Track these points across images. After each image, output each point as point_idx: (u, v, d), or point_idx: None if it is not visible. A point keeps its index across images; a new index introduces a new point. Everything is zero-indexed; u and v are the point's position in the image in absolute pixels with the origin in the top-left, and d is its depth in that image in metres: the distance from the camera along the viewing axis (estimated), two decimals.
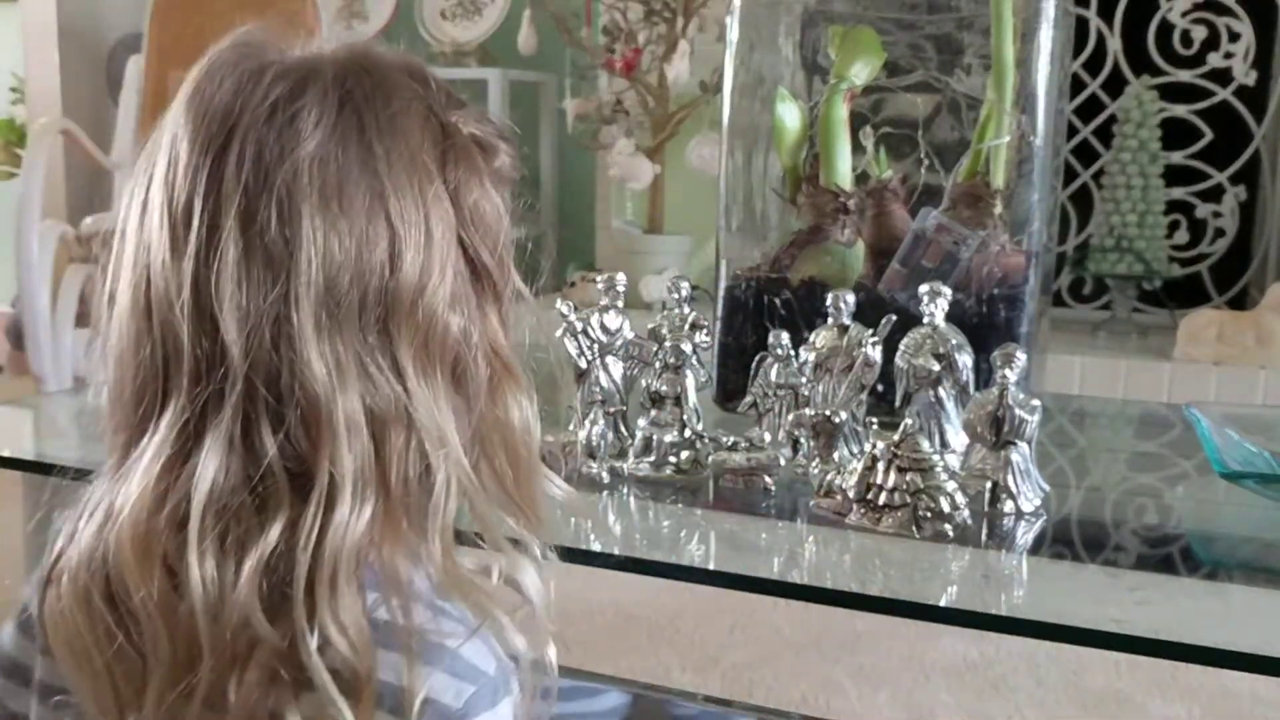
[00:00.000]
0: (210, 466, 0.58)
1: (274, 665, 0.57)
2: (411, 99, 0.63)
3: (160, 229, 0.59)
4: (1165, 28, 2.60)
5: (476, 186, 0.63)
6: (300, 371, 0.58)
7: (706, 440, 1.07)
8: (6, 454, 1.11)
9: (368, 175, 0.59)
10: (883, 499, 0.95)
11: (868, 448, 0.97)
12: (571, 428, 1.10)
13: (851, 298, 1.08)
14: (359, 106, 0.61)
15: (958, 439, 1.04)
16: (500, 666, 0.61)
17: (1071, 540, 0.99)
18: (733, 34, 1.32)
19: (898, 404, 1.06)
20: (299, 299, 0.58)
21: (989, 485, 0.98)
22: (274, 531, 0.58)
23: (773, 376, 1.10)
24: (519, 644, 0.61)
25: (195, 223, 0.58)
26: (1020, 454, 0.98)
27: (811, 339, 1.09)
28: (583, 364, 1.12)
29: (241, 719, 0.57)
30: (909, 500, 0.93)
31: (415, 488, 0.60)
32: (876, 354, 1.06)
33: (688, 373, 1.09)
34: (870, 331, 1.07)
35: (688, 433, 1.07)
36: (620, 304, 1.14)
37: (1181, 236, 2.65)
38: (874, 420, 1.06)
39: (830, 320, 1.09)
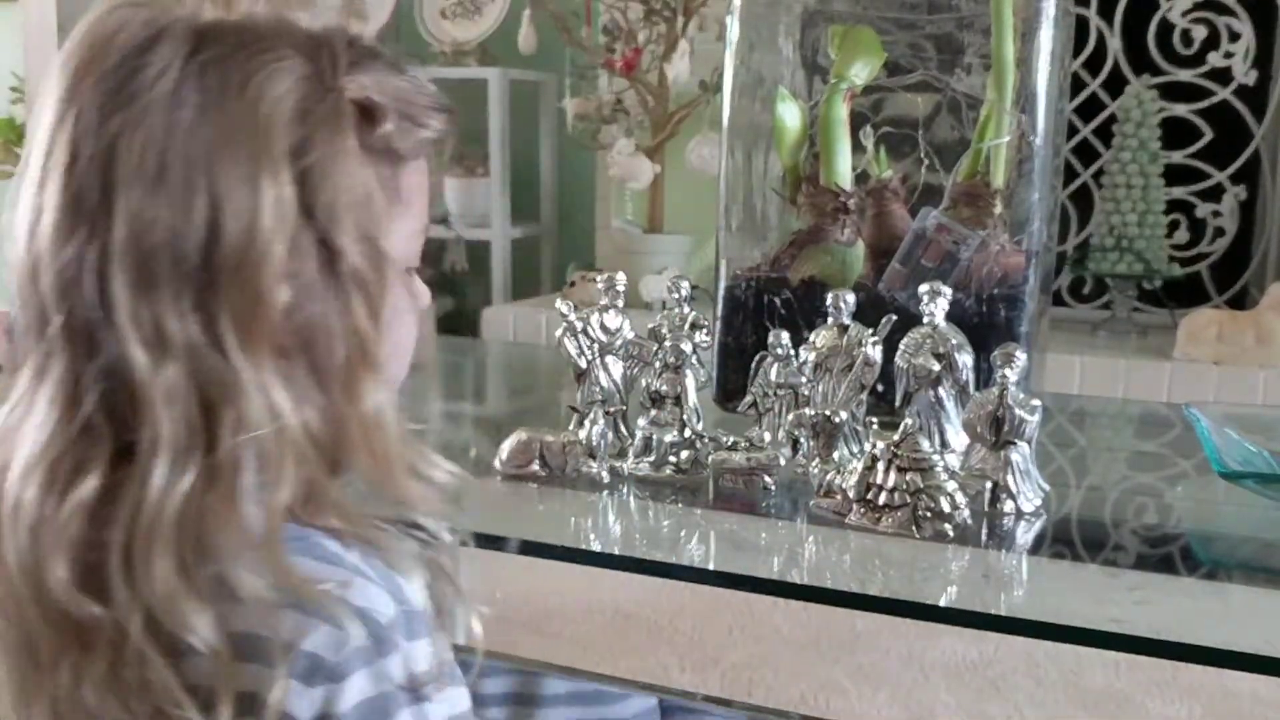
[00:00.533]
0: (35, 422, 0.58)
1: (117, 645, 0.57)
2: (279, 63, 0.59)
3: (27, 176, 0.59)
4: (1165, 27, 2.59)
5: (336, 162, 0.59)
6: (120, 337, 0.57)
7: (706, 440, 1.07)
8: None
9: (197, 139, 0.57)
10: (883, 499, 0.95)
11: (868, 447, 0.97)
12: (571, 427, 1.10)
13: (851, 297, 1.08)
14: (206, 65, 0.58)
15: (958, 439, 1.04)
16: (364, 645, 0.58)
17: (1071, 540, 0.99)
18: (733, 33, 1.32)
19: (898, 404, 1.06)
20: (114, 262, 0.56)
21: (989, 485, 0.98)
22: (86, 491, 0.57)
23: (772, 376, 1.10)
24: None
25: (39, 175, 0.58)
26: (1020, 454, 0.98)
27: (811, 339, 1.09)
28: (583, 364, 1.12)
29: (117, 702, 0.57)
30: (909, 500, 0.93)
31: (251, 462, 0.58)
32: (876, 354, 1.06)
33: (688, 372, 1.09)
34: (870, 331, 1.07)
35: (688, 432, 1.07)
36: (620, 304, 1.14)
37: (1181, 236, 2.65)
38: (874, 420, 1.06)
39: (830, 320, 1.09)
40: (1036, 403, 0.99)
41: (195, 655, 0.56)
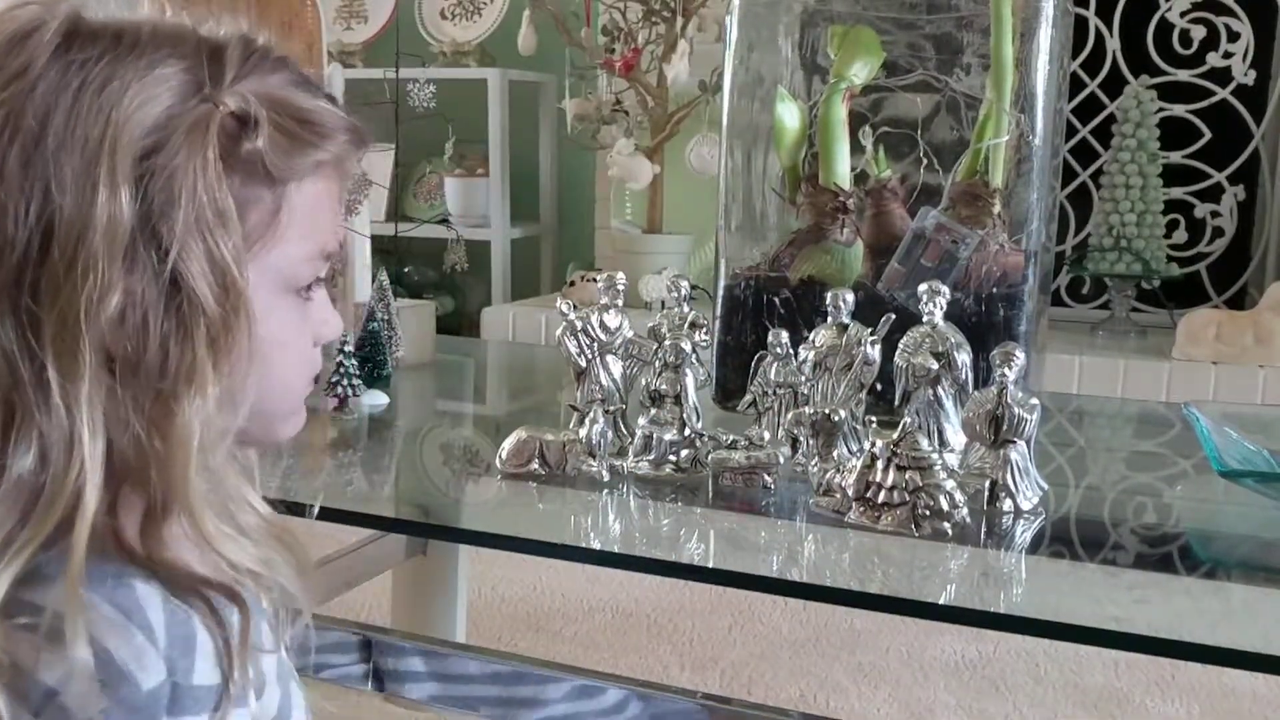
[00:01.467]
0: None
1: None
2: (150, 70, 0.56)
3: None
4: (1164, 27, 2.60)
5: (188, 175, 0.55)
6: None
7: (706, 439, 1.07)
8: None
9: (43, 139, 0.54)
10: (882, 497, 0.95)
11: (867, 446, 0.97)
12: (571, 426, 1.10)
13: (851, 296, 1.09)
14: (69, 64, 0.55)
15: (956, 437, 1.05)
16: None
17: (1070, 539, 1.00)
18: (732, 34, 1.32)
19: (897, 402, 1.06)
20: None
21: (988, 484, 0.98)
22: None
23: (772, 375, 1.11)
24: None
25: None
26: (1019, 452, 0.98)
27: (811, 338, 1.09)
28: (582, 363, 1.12)
29: None
30: (908, 498, 0.93)
31: (39, 481, 0.54)
32: (875, 353, 1.07)
33: (687, 371, 1.09)
34: (869, 330, 1.07)
35: (687, 431, 1.07)
36: (620, 303, 1.14)
37: (1180, 236, 2.65)
38: (873, 419, 1.06)
39: (829, 319, 1.09)
40: (1035, 402, 0.99)
41: None
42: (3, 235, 0.54)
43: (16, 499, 0.54)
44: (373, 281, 1.44)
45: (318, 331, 0.65)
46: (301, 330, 0.64)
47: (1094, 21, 2.63)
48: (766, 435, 1.10)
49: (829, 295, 1.09)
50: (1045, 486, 1.01)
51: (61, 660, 0.52)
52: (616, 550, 0.97)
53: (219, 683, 0.56)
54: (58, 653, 0.53)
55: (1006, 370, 0.97)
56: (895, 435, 0.95)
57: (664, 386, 1.09)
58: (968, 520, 0.94)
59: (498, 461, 1.07)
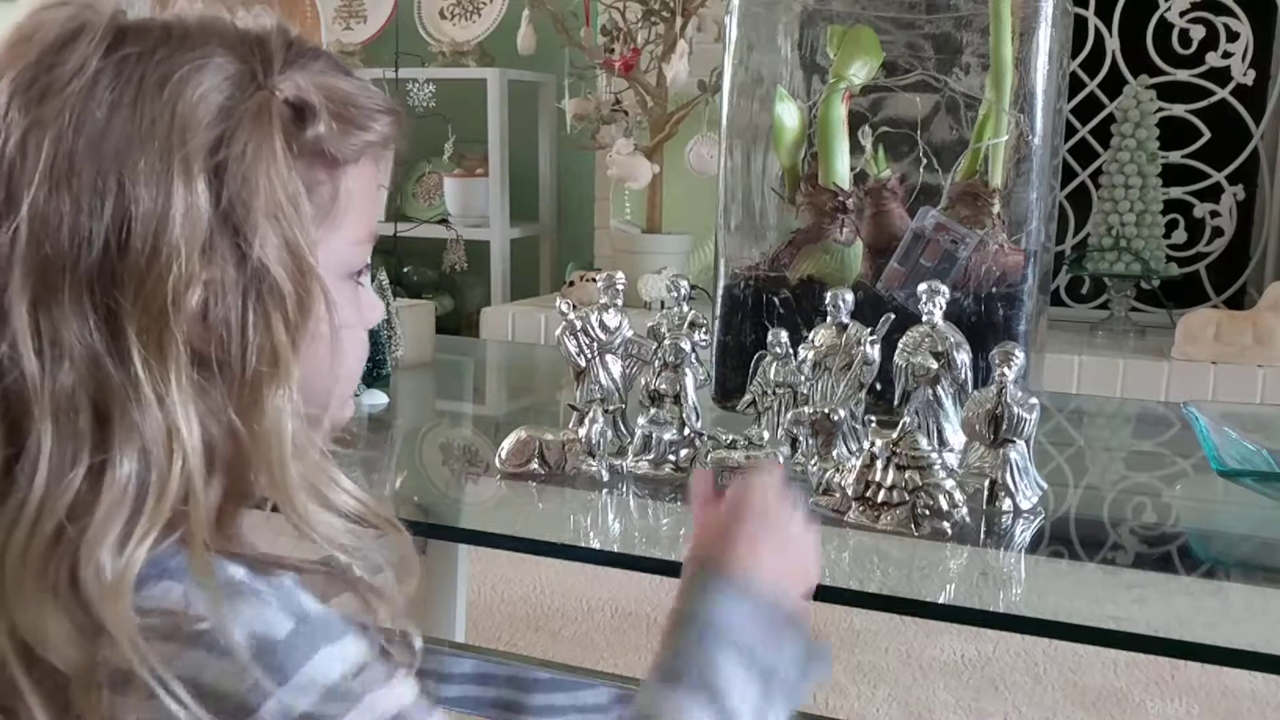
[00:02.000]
0: None
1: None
2: (205, 60, 0.56)
3: None
4: (1164, 27, 2.60)
5: (258, 163, 0.56)
6: (11, 344, 0.53)
7: (705, 438, 1.07)
8: None
9: (109, 137, 0.54)
10: (881, 497, 0.95)
11: (866, 445, 0.97)
12: (571, 426, 1.10)
13: (850, 296, 1.09)
14: (124, 62, 0.55)
15: (956, 437, 1.05)
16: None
17: (1069, 538, 1.00)
18: (731, 34, 1.32)
19: (896, 402, 1.06)
20: (15, 265, 0.54)
21: (987, 483, 0.98)
22: None
23: (771, 375, 1.11)
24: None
25: None
26: (1018, 452, 0.98)
27: (810, 337, 1.09)
28: (582, 362, 1.12)
29: None
30: (907, 498, 0.93)
31: (145, 476, 0.54)
32: (875, 352, 1.07)
33: (687, 371, 1.09)
34: (869, 330, 1.07)
35: (687, 431, 1.07)
36: (619, 303, 1.14)
37: (1179, 236, 2.66)
38: (872, 418, 1.06)
39: (829, 319, 1.09)
40: (1034, 401, 0.99)
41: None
42: (78, 234, 0.54)
43: (124, 497, 0.54)
44: (372, 281, 1.44)
45: (366, 316, 0.66)
46: (358, 314, 0.65)
47: (1093, 21, 2.63)
48: (766, 435, 1.10)
49: (828, 295, 1.09)
50: (1044, 486, 1.01)
51: (203, 645, 0.53)
52: (616, 550, 0.97)
53: (341, 618, 0.57)
54: (196, 640, 0.53)
55: (1006, 370, 0.97)
56: (895, 435, 0.95)
57: (663, 386, 1.09)
58: (967, 520, 0.94)
59: (497, 461, 1.07)
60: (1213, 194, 2.65)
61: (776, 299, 1.24)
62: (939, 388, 1.05)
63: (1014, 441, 0.98)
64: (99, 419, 0.54)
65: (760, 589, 0.67)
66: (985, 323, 1.18)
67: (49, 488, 0.53)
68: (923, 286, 1.06)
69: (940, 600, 0.85)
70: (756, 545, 0.69)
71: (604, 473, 1.06)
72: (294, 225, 0.57)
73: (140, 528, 0.54)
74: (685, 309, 1.19)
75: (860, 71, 1.25)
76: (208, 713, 0.52)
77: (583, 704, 1.13)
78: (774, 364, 1.11)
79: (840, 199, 1.24)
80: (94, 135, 0.54)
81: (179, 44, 0.57)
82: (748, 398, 1.13)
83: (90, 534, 0.53)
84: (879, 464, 0.94)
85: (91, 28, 0.56)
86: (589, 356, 1.12)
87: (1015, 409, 0.98)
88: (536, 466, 1.06)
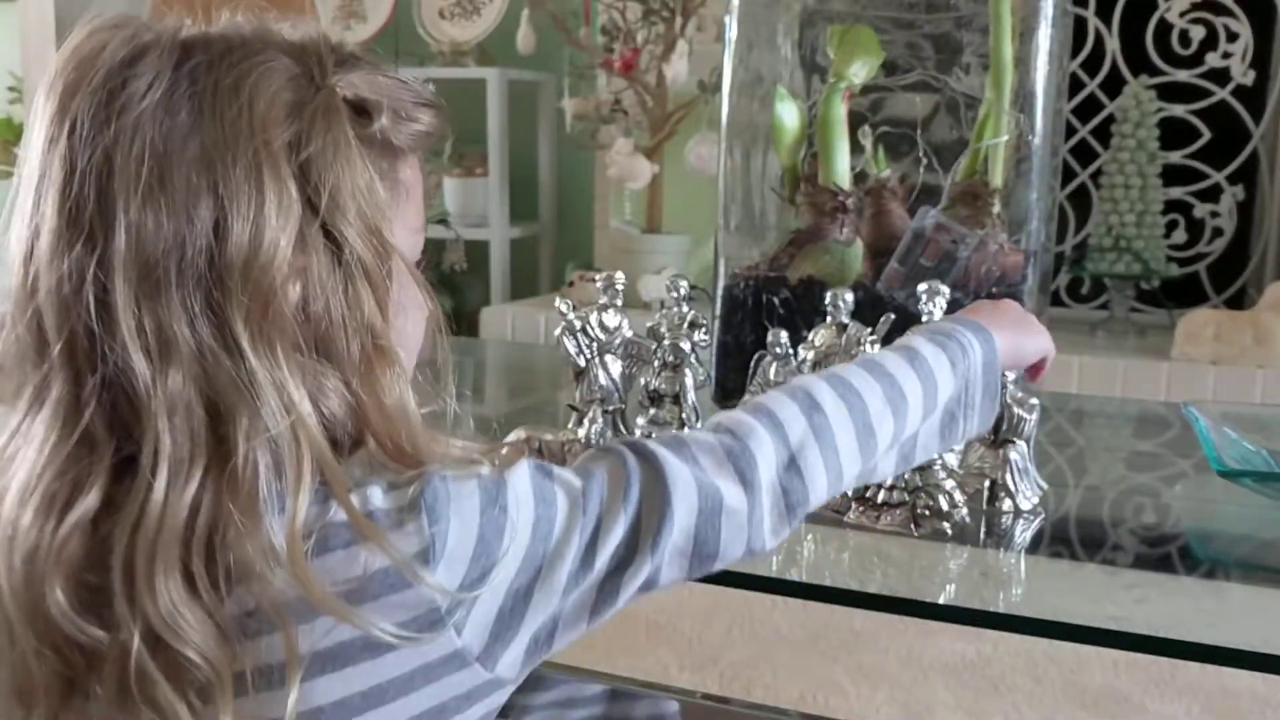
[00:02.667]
0: (33, 446, 0.57)
1: (123, 667, 0.55)
2: (268, 63, 0.60)
3: (19, 203, 0.59)
4: (1164, 27, 2.60)
5: (336, 155, 0.60)
6: (121, 347, 0.56)
7: None
8: None
9: (195, 143, 0.57)
10: (881, 497, 0.95)
11: None
12: (570, 426, 1.10)
13: (850, 296, 1.08)
14: (195, 72, 0.59)
15: None
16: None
17: (1070, 538, 1.00)
18: (731, 33, 1.32)
19: None
20: (114, 272, 0.56)
21: (987, 483, 0.98)
22: (87, 509, 0.56)
23: (771, 375, 1.10)
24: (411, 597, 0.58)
25: (34, 197, 0.58)
26: (1018, 452, 0.98)
27: (810, 337, 1.09)
28: (581, 362, 1.12)
29: None
30: (907, 498, 0.93)
31: (269, 462, 0.57)
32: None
33: (686, 371, 1.09)
34: (869, 330, 1.07)
35: (686, 430, 1.07)
36: (619, 302, 1.14)
37: (1179, 236, 2.65)
38: None
39: (829, 318, 1.09)
40: (1035, 401, 0.99)
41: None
42: (176, 238, 0.56)
43: (258, 486, 0.57)
44: None
45: (427, 303, 0.69)
46: (420, 299, 0.68)
47: (1093, 21, 2.63)
48: None
49: (829, 295, 1.09)
50: (1045, 486, 1.01)
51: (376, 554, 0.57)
52: None
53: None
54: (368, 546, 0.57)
55: (1006, 370, 0.97)
56: None
57: (663, 386, 1.09)
58: (967, 520, 0.94)
59: (496, 461, 1.07)
60: (1213, 194, 2.65)
61: (776, 299, 1.24)
62: None
63: (1014, 442, 0.98)
64: (213, 415, 0.57)
65: (996, 339, 0.81)
66: None
67: (171, 485, 0.56)
68: (923, 286, 1.06)
69: (940, 601, 0.85)
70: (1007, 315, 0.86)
71: None
72: (374, 210, 0.61)
73: (289, 503, 0.56)
74: (685, 309, 1.19)
75: (860, 71, 1.25)
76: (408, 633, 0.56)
77: (577, 698, 1.13)
78: (774, 364, 1.10)
79: (840, 199, 1.24)
80: (179, 142, 0.57)
81: (241, 52, 0.60)
82: (747, 398, 1.13)
83: (237, 523, 0.56)
84: None
85: (157, 44, 0.59)
86: (588, 356, 1.12)
87: (1015, 409, 0.97)
88: None
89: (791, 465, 0.68)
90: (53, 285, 0.57)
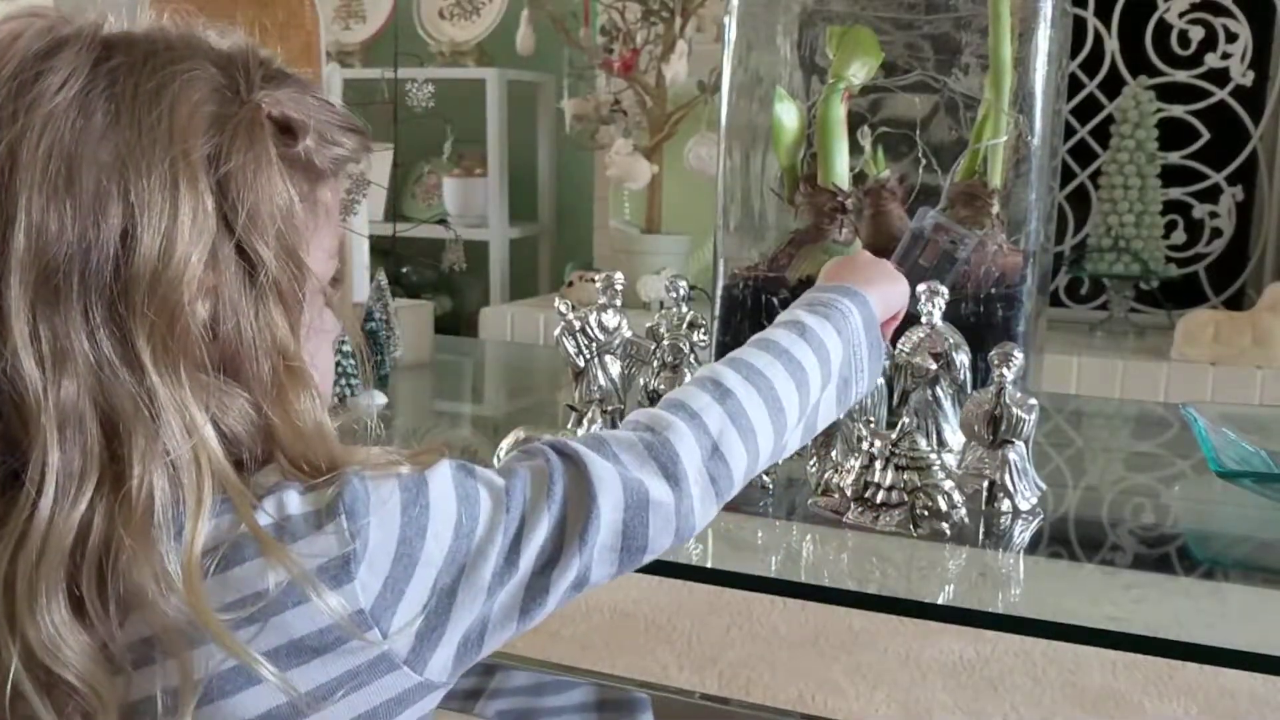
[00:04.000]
0: None
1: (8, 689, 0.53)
2: (192, 72, 0.57)
3: None
4: (1163, 28, 2.60)
5: (257, 172, 0.57)
6: (11, 353, 0.53)
7: None
8: None
9: (107, 147, 0.54)
10: (880, 497, 0.95)
11: (865, 446, 0.97)
12: (570, 426, 1.10)
13: None
14: (115, 73, 0.56)
15: (955, 438, 1.05)
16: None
17: (1068, 539, 1.00)
18: (730, 34, 1.32)
19: (895, 403, 1.06)
20: (10, 273, 0.53)
21: (986, 484, 0.98)
22: None
23: None
24: (333, 602, 0.55)
25: None
26: (1017, 453, 0.98)
27: None
28: (581, 363, 1.12)
29: None
30: (906, 499, 0.93)
31: (164, 485, 0.54)
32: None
33: (686, 372, 1.09)
34: None
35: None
36: (618, 303, 1.14)
37: (1179, 237, 2.66)
38: (872, 419, 1.06)
39: None
40: (1033, 402, 0.99)
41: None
42: (81, 242, 0.54)
43: (153, 509, 0.54)
44: (371, 281, 1.44)
45: (335, 327, 0.68)
46: (331, 324, 0.66)
47: (1092, 22, 2.63)
48: None
49: None
50: (1043, 487, 1.01)
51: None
52: None
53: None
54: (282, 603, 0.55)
55: (1005, 370, 0.97)
56: (894, 435, 0.95)
57: (662, 387, 1.09)
58: (966, 520, 0.94)
59: (495, 461, 1.07)
60: (1212, 195, 2.65)
61: (776, 299, 1.24)
62: (938, 388, 1.05)
63: (1013, 442, 0.98)
64: (108, 432, 0.54)
65: (869, 298, 0.84)
66: (984, 323, 1.18)
67: (58, 503, 0.53)
68: (922, 287, 1.06)
69: (939, 601, 0.85)
70: (867, 271, 0.89)
71: None
72: (292, 231, 0.59)
73: (186, 528, 0.54)
74: (684, 309, 1.19)
75: (859, 72, 1.25)
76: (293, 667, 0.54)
77: (575, 704, 1.13)
78: None
79: (839, 199, 1.24)
80: (91, 144, 0.54)
81: (166, 56, 0.57)
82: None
83: (129, 547, 0.53)
84: (878, 464, 0.94)
85: (77, 39, 0.56)
86: (588, 357, 1.12)
87: (1014, 410, 0.97)
88: None
89: (715, 453, 0.69)
90: None
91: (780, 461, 0.79)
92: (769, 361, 0.75)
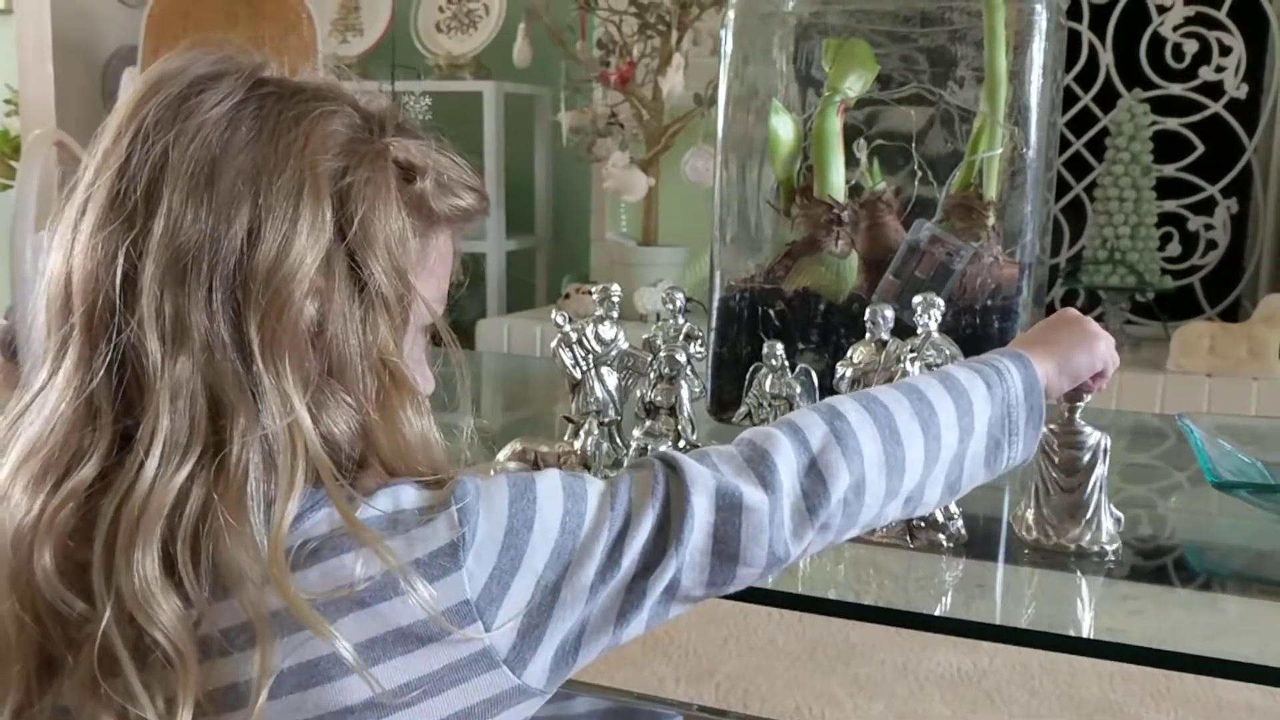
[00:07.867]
0: (47, 407, 0.60)
1: (93, 651, 0.56)
2: (331, 111, 0.64)
3: (84, 178, 0.63)
4: (1157, 41, 2.61)
5: (374, 200, 0.63)
6: (138, 324, 0.58)
7: None
8: None
9: (247, 157, 0.61)
10: None
11: None
12: (566, 438, 1.10)
13: (890, 313, 1.03)
14: (264, 100, 0.63)
15: None
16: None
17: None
18: (727, 47, 1.33)
19: None
20: (147, 254, 0.59)
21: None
22: (82, 479, 0.58)
23: (767, 387, 1.10)
24: (437, 591, 0.59)
25: (94, 173, 0.62)
26: None
27: (849, 354, 1.05)
28: (578, 374, 1.12)
29: (97, 704, 0.57)
30: None
31: (258, 462, 0.58)
32: (916, 370, 1.04)
33: (682, 383, 1.09)
34: (908, 345, 1.04)
35: (682, 443, 1.07)
36: (615, 315, 1.14)
37: (1174, 249, 2.66)
38: None
39: (868, 335, 1.06)
40: None
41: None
42: (211, 234, 0.59)
43: (248, 483, 0.58)
44: None
45: (428, 384, 0.72)
46: (428, 357, 0.71)
47: (1087, 35, 2.64)
48: None
49: (868, 311, 1.05)
50: None
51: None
52: None
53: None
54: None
55: None
56: None
57: (659, 398, 1.09)
58: (963, 532, 0.94)
59: (492, 473, 1.07)
60: (1207, 207, 2.66)
61: (772, 311, 1.24)
62: None
63: None
64: (214, 407, 0.59)
65: (1039, 364, 0.79)
66: (980, 335, 1.18)
67: (163, 466, 0.57)
68: (918, 299, 1.06)
69: (936, 613, 0.85)
70: (1057, 332, 0.85)
71: None
72: (403, 255, 0.64)
73: (277, 507, 0.58)
74: (681, 321, 1.19)
75: (855, 84, 1.25)
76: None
77: (564, 716, 1.12)
78: (769, 376, 1.10)
79: (835, 211, 1.25)
80: (233, 152, 0.61)
81: (312, 93, 0.65)
82: (743, 410, 1.13)
83: (222, 518, 0.57)
84: None
85: (238, 71, 0.64)
86: (584, 369, 1.12)
87: None
88: None
89: (812, 468, 0.68)
90: (87, 259, 0.60)
91: (918, 514, 0.75)
92: (895, 397, 0.73)
